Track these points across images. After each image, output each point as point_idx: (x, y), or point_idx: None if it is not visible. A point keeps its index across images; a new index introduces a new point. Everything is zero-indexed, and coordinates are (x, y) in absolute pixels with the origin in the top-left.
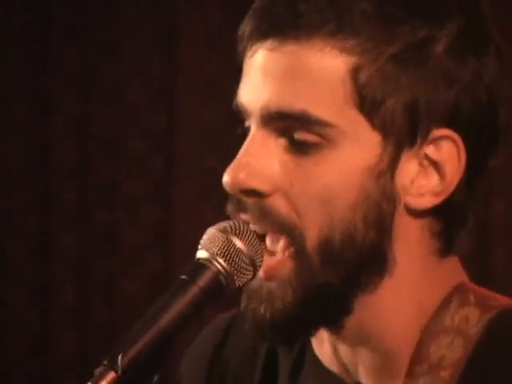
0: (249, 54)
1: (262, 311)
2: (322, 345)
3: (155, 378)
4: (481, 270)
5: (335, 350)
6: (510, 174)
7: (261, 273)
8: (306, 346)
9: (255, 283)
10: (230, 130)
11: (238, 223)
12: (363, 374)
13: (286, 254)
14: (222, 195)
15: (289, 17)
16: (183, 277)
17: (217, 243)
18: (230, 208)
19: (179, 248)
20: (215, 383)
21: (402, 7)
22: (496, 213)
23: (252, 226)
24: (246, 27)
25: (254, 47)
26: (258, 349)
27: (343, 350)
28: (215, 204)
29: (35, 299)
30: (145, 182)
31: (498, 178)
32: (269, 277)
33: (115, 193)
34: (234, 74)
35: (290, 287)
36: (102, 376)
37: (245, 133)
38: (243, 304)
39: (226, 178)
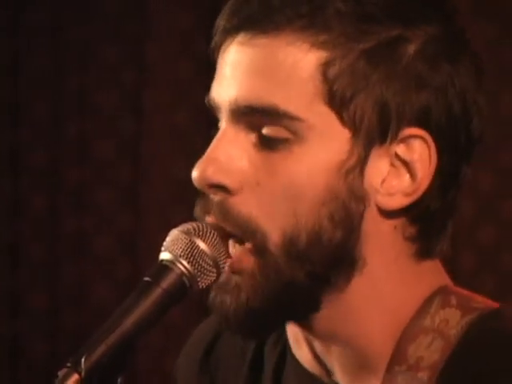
0: (221, 49)
1: (227, 303)
2: (300, 345)
3: (119, 380)
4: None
5: (312, 350)
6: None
7: (226, 271)
8: (287, 347)
9: (223, 277)
10: (199, 136)
11: (202, 225)
12: (340, 374)
13: (252, 256)
14: (191, 202)
15: (261, 11)
16: (147, 278)
17: (180, 245)
18: (197, 211)
19: (148, 255)
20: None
21: (377, 6)
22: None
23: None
24: (219, 22)
25: (226, 42)
26: (245, 349)
27: (319, 348)
28: (184, 211)
29: (4, 306)
30: (113, 189)
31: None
32: (234, 270)
33: (83, 198)
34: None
35: (254, 281)
36: (65, 378)
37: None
38: (211, 296)
39: (194, 173)
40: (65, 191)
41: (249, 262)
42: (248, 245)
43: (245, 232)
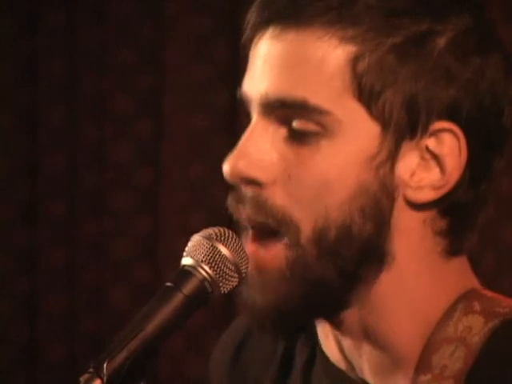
0: (253, 42)
1: (255, 301)
2: (329, 341)
3: (141, 382)
4: None
5: (340, 347)
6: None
7: (254, 270)
8: (317, 344)
9: (250, 281)
10: (218, 139)
11: (224, 230)
12: (369, 373)
13: (282, 252)
14: (210, 206)
15: (290, 5)
16: (169, 284)
17: (202, 250)
18: (229, 200)
19: (167, 258)
20: (237, 383)
21: (406, 0)
22: None
23: (249, 222)
24: (250, 17)
25: (257, 36)
26: (276, 347)
27: (347, 346)
28: (203, 215)
29: (23, 310)
30: (133, 194)
31: None
32: (263, 273)
33: (102, 202)
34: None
35: (283, 278)
36: (88, 379)
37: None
38: (240, 294)
39: (226, 167)
40: (83, 195)
41: (277, 259)
42: (280, 240)
43: (279, 222)
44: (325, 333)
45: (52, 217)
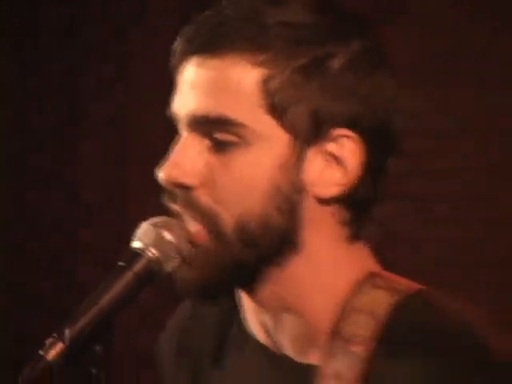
0: (179, 69)
1: (187, 273)
2: (253, 320)
3: (97, 348)
4: None
5: (263, 324)
6: None
7: (188, 256)
8: (243, 323)
9: (185, 266)
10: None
11: (167, 219)
12: (287, 345)
13: (210, 241)
14: None
15: (211, 38)
16: (121, 263)
17: (149, 235)
18: (165, 199)
19: None
20: (184, 359)
21: (308, 30)
22: None
23: (182, 216)
24: (177, 47)
25: (182, 64)
26: (213, 322)
27: (268, 322)
28: None
29: None
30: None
31: None
32: (195, 259)
33: None
34: None
35: (211, 262)
36: (51, 345)
37: None
38: (176, 269)
39: (161, 175)
40: None
41: (206, 240)
42: (207, 229)
43: (205, 218)
44: (249, 312)
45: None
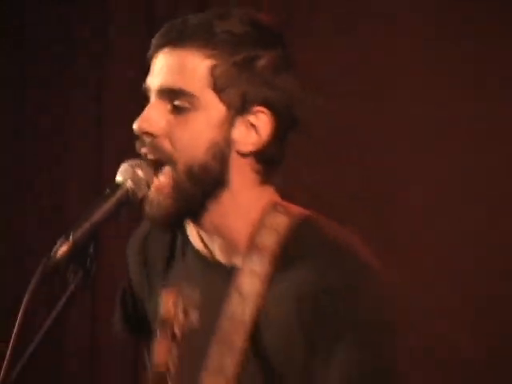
0: (154, 56)
1: (154, 211)
2: (195, 237)
3: (91, 247)
4: None
5: (202, 239)
6: None
7: (153, 188)
8: (188, 239)
9: (150, 195)
10: None
11: (140, 161)
12: (219, 254)
13: (168, 178)
14: None
15: (178, 36)
16: (107, 191)
17: (127, 172)
18: (137, 144)
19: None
20: (144, 261)
21: (243, 37)
22: None
23: (148, 156)
24: (154, 41)
25: (156, 53)
26: (165, 240)
27: (205, 238)
28: None
29: None
30: None
31: None
32: (157, 191)
33: None
34: None
35: (169, 198)
36: (62, 243)
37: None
38: (145, 207)
39: (135, 126)
40: None
41: (166, 184)
42: (166, 168)
43: (164, 158)
44: (192, 232)
45: None
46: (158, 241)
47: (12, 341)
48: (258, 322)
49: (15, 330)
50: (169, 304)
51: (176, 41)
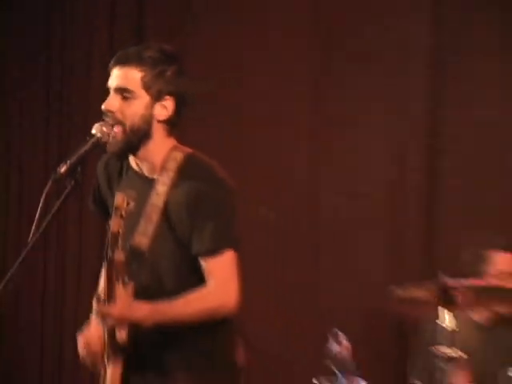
0: (111, 70)
1: (112, 148)
2: (133, 162)
3: (78, 168)
4: None
5: (137, 164)
6: None
7: (111, 137)
8: (130, 164)
9: (110, 140)
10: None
11: (105, 122)
12: (146, 171)
13: (119, 132)
14: None
15: (123, 59)
16: (87, 138)
17: (98, 128)
18: (104, 116)
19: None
20: (107, 176)
21: (157, 58)
22: None
23: (109, 121)
24: (112, 62)
25: (113, 68)
26: (117, 163)
27: (139, 163)
28: None
29: None
30: None
31: None
32: (114, 138)
33: None
34: None
35: (120, 142)
36: (62, 166)
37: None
38: (107, 147)
39: (103, 107)
40: None
41: (119, 135)
42: (119, 127)
43: (118, 122)
44: (132, 160)
45: None
46: (114, 165)
47: (30, 241)
48: (165, 207)
49: (33, 230)
50: (119, 199)
51: (123, 62)
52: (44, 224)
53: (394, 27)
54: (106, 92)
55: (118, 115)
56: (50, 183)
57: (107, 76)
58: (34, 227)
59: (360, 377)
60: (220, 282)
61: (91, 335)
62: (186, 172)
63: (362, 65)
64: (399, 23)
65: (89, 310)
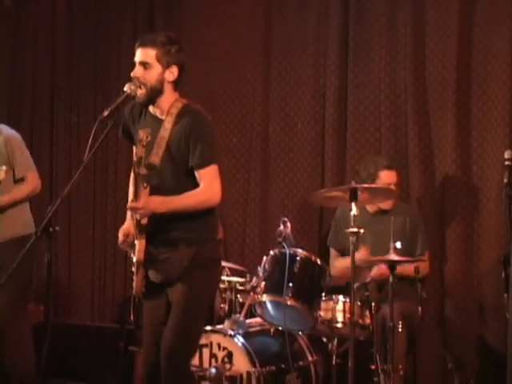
0: (136, 49)
1: (138, 99)
2: (151, 107)
3: (115, 113)
4: None
5: (153, 109)
6: None
7: (138, 93)
8: (148, 109)
9: (138, 94)
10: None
11: (133, 82)
12: (158, 114)
13: (143, 89)
14: None
15: (143, 42)
16: (121, 93)
17: (128, 86)
18: (132, 80)
19: None
20: (132, 116)
21: (165, 41)
22: None
23: (136, 82)
24: (136, 44)
25: (137, 48)
26: (139, 108)
27: (154, 109)
28: None
29: None
30: None
31: None
32: (140, 93)
33: None
34: None
35: (143, 95)
36: (105, 111)
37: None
38: (135, 98)
39: (132, 74)
40: None
41: (143, 92)
42: (143, 86)
43: (141, 83)
44: (150, 107)
45: None
46: (136, 109)
47: (85, 160)
48: (169, 138)
49: (86, 154)
50: (142, 134)
51: (143, 44)
52: (93, 150)
53: None
54: (132, 64)
55: (142, 79)
56: (96, 123)
57: (133, 53)
58: (86, 152)
59: (297, 247)
60: (207, 184)
61: (127, 227)
62: (183, 115)
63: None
64: None
65: (124, 212)
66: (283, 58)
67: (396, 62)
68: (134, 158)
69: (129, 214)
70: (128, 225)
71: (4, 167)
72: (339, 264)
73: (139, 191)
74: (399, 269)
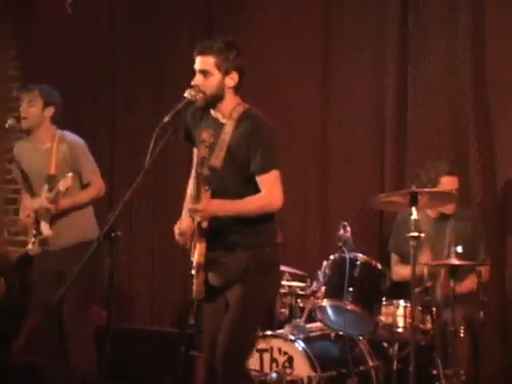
0: (195, 57)
1: (198, 104)
2: (212, 111)
3: (177, 118)
4: None
5: (214, 112)
6: None
7: (198, 98)
8: (210, 113)
9: (198, 99)
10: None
11: (193, 88)
12: (220, 118)
13: (202, 95)
14: None
15: (201, 50)
16: (181, 99)
17: (188, 92)
18: (192, 86)
19: None
20: (193, 120)
21: (223, 47)
22: None
23: (196, 89)
24: (195, 52)
25: (196, 56)
26: (200, 112)
27: (215, 113)
28: None
29: None
30: None
31: None
32: (200, 98)
33: None
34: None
35: (203, 101)
36: (167, 116)
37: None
38: (195, 104)
39: (193, 82)
40: None
41: (202, 97)
42: (202, 92)
43: (201, 90)
44: (211, 110)
45: None
46: (197, 114)
47: (147, 164)
48: (230, 141)
49: (147, 158)
50: (205, 134)
51: (202, 52)
52: (154, 156)
53: None
54: (192, 72)
55: (202, 87)
56: (157, 129)
57: (192, 61)
58: (147, 158)
59: (357, 251)
60: (268, 190)
61: (183, 224)
62: (243, 119)
63: None
64: None
65: (180, 209)
66: (341, 61)
67: (456, 65)
68: (197, 159)
69: (184, 212)
70: (185, 225)
71: (70, 174)
72: (403, 271)
73: (200, 193)
74: (462, 288)
